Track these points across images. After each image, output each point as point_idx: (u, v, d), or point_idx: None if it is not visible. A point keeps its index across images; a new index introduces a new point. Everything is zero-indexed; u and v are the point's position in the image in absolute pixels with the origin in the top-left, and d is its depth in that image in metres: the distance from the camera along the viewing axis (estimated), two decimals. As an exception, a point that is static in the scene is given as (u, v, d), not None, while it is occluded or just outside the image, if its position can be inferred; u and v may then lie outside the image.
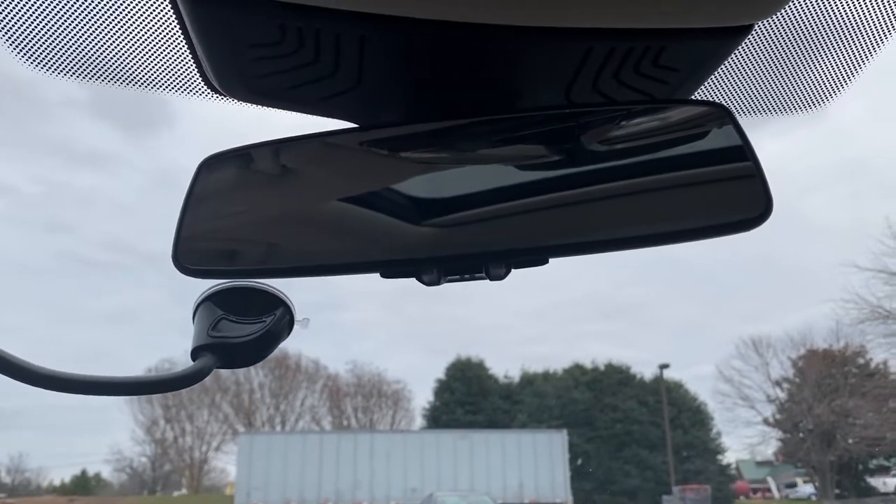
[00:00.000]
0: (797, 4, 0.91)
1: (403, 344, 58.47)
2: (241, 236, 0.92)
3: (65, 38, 0.91)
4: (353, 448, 25.69)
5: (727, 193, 0.83)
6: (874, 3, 0.91)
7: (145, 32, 0.90)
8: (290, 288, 0.92)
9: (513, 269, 0.85)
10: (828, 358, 33.43)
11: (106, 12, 0.87)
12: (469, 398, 36.95)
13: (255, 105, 0.97)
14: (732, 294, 53.89)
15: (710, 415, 37.74)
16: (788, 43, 0.96)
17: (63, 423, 63.07)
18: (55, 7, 0.85)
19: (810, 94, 1.07)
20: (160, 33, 0.91)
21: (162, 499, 43.89)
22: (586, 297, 55.56)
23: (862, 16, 0.93)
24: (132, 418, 44.73)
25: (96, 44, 0.92)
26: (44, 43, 0.91)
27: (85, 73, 0.97)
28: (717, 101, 1.01)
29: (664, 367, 34.14)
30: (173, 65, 0.96)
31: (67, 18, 0.87)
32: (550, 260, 0.85)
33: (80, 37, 0.91)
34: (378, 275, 0.88)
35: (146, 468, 47.87)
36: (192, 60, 0.92)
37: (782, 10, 0.89)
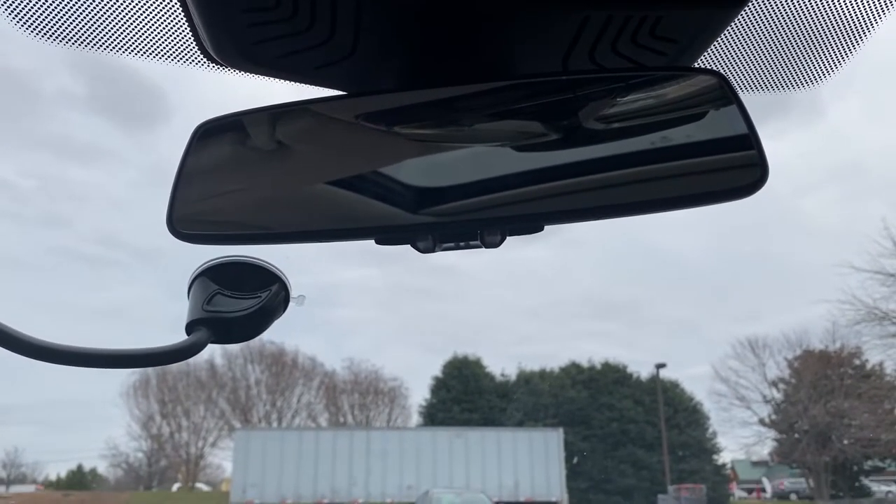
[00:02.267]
0: None
1: (400, 341, 58.48)
2: (236, 202, 0.92)
3: (62, 4, 0.90)
4: (349, 445, 25.69)
5: (723, 160, 0.83)
6: None
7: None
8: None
9: (508, 236, 0.85)
10: (824, 359, 33.49)
11: None
12: (465, 396, 36.96)
13: (249, 74, 0.97)
14: (729, 294, 53.95)
15: (705, 415, 37.81)
16: (786, 16, 0.96)
17: (59, 418, 63.02)
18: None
19: (807, 69, 1.06)
20: (156, 0, 0.90)
21: (157, 494, 43.84)
22: (583, 296, 55.60)
23: None
24: (128, 413, 44.66)
25: (93, 11, 0.92)
26: (40, 9, 0.91)
27: (82, 40, 0.97)
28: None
29: (660, 366, 34.19)
30: (170, 33, 0.96)
31: None
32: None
33: (78, 3, 0.91)
34: (375, 247, 0.88)
35: (142, 463, 47.86)
36: (189, 28, 0.92)
37: None
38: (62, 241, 52.45)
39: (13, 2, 0.89)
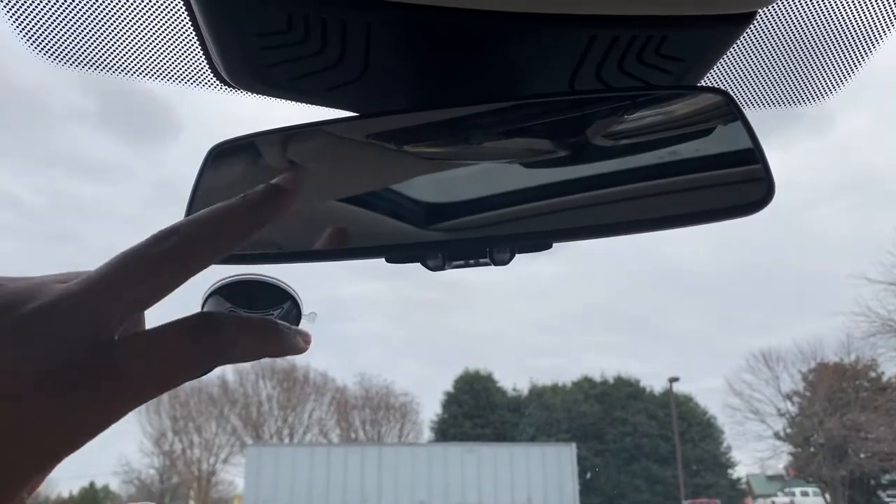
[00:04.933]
0: None
1: (410, 355, 58.37)
2: None
3: (75, 27, 0.92)
4: (360, 461, 25.64)
5: (729, 177, 0.84)
6: None
7: (154, 22, 0.92)
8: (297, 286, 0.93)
9: (517, 254, 0.85)
10: (839, 371, 33.22)
11: (114, 1, 0.89)
12: (477, 411, 36.89)
13: (261, 96, 0.99)
14: (741, 306, 53.61)
15: (720, 428, 37.59)
16: (792, 32, 0.97)
17: (71, 435, 62.90)
18: (67, -4, 0.87)
19: (813, 85, 1.07)
20: (169, 23, 0.92)
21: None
22: (594, 309, 55.39)
23: (865, 6, 0.93)
24: (140, 430, 44.75)
25: (105, 33, 0.94)
26: (55, 32, 0.93)
27: (94, 63, 0.99)
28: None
29: (674, 380, 33.98)
30: (181, 55, 0.98)
31: (78, 7, 0.89)
32: (557, 261, 0.86)
33: (90, 26, 0.93)
34: (384, 262, 0.89)
35: (154, 480, 47.86)
36: (201, 50, 0.94)
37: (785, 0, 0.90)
38: (72, 258, 52.75)
39: (27, 25, 0.91)
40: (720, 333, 54.48)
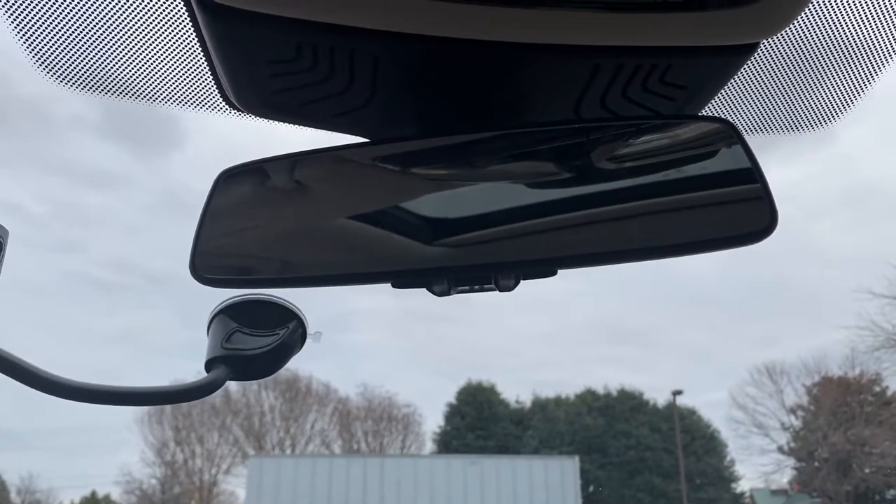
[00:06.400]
0: (803, 24, 0.92)
1: (413, 367, 58.10)
2: (257, 247, 0.95)
3: (87, 53, 0.94)
4: (363, 473, 25.52)
5: (733, 207, 0.84)
6: (879, 24, 0.93)
7: (165, 49, 0.93)
8: (302, 302, 0.94)
9: (522, 280, 0.86)
10: (843, 385, 33.05)
11: (127, 29, 0.90)
12: (480, 423, 36.73)
13: (270, 120, 1.00)
14: (745, 319, 53.37)
15: (723, 442, 37.32)
16: (794, 61, 0.98)
17: (73, 444, 62.92)
18: (79, 23, 0.88)
19: (816, 112, 1.08)
20: (180, 50, 0.93)
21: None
22: (597, 321, 55.16)
23: (867, 35, 0.94)
24: (142, 440, 44.63)
25: (117, 59, 0.95)
26: (67, 58, 0.94)
27: (105, 88, 1.00)
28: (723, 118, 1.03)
29: (677, 393, 33.78)
30: (192, 81, 0.99)
31: (89, 34, 0.90)
32: (560, 274, 0.87)
33: (102, 52, 0.94)
34: (389, 286, 0.90)
35: (156, 490, 47.66)
36: (211, 77, 0.95)
37: (788, 30, 0.91)
38: (76, 266, 52.63)
39: (40, 50, 0.93)
40: (724, 346, 54.18)
